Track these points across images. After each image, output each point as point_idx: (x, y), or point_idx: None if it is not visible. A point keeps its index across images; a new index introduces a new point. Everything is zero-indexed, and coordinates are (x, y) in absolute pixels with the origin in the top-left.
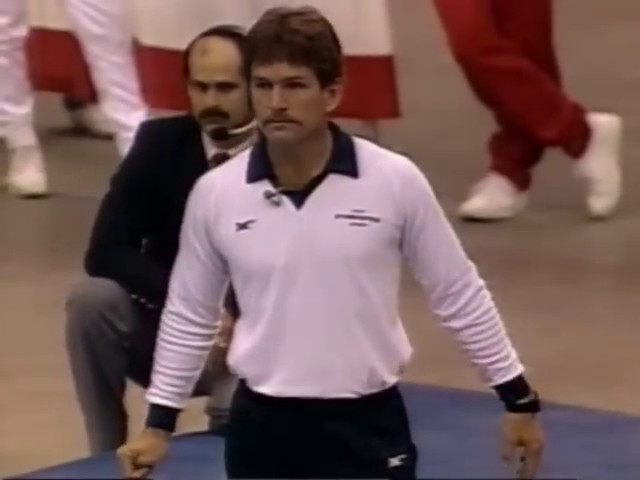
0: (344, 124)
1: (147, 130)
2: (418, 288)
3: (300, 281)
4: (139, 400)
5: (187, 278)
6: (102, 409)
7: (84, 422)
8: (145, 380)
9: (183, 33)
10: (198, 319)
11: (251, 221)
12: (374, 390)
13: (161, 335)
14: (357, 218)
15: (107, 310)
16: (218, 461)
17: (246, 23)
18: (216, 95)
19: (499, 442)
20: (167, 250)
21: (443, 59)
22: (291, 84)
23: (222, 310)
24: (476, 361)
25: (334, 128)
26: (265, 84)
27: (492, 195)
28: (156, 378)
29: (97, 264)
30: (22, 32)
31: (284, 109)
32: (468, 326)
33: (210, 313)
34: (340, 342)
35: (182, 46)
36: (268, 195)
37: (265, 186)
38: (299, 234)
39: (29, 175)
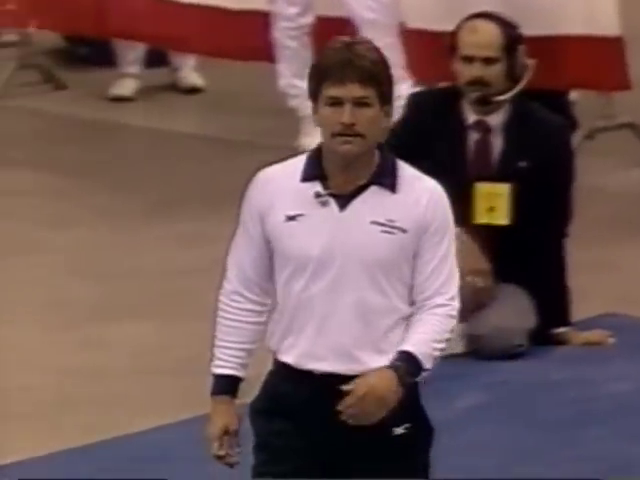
0: (581, 94)
1: (415, 99)
2: (618, 242)
3: (328, 273)
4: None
5: (244, 259)
6: None
7: None
8: None
9: (444, 17)
10: (253, 297)
11: (300, 215)
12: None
13: (220, 314)
14: (388, 227)
15: None
16: None
17: (498, 9)
18: (482, 67)
19: None
20: None
21: None
22: (359, 103)
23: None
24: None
25: (382, 148)
26: (336, 103)
27: None
28: (219, 352)
29: None
30: (309, 20)
31: (353, 124)
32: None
33: (263, 292)
34: (353, 330)
35: (443, 28)
36: (317, 195)
37: (316, 187)
38: (336, 232)
39: (317, 138)
